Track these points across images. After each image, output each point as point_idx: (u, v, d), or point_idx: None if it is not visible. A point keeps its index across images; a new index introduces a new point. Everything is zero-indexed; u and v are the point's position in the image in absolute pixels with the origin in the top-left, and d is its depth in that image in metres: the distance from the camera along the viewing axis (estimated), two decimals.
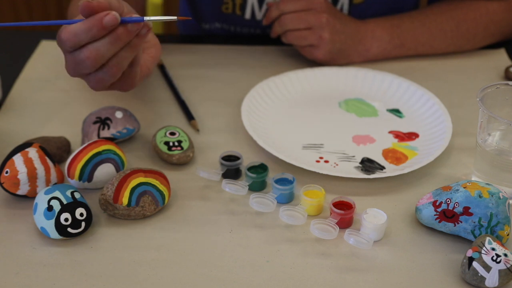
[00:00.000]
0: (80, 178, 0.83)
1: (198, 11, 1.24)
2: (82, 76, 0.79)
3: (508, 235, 0.76)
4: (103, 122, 0.90)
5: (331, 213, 0.79)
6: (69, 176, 0.83)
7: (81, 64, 0.76)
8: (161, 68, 1.09)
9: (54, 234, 0.76)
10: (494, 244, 0.72)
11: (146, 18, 0.74)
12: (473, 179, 0.86)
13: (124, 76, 0.80)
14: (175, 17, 0.74)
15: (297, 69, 1.06)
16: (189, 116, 0.98)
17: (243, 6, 1.16)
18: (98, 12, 0.73)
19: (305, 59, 1.10)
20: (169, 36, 1.36)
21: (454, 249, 0.77)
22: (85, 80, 0.79)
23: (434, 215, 0.77)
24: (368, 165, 0.89)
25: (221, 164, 0.86)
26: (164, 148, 0.88)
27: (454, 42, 1.12)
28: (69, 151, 0.90)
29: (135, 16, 0.75)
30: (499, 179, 0.82)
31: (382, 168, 0.88)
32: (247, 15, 1.17)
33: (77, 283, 0.72)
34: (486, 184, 0.77)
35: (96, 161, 0.83)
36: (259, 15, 1.17)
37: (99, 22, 0.72)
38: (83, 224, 0.77)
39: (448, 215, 0.77)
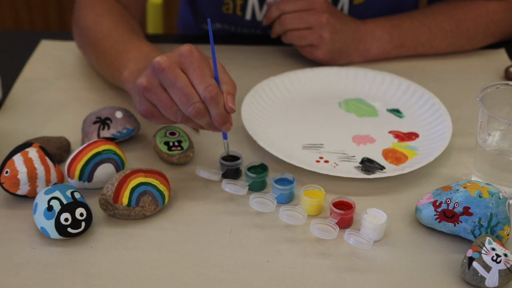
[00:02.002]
0: (80, 178, 0.83)
1: (198, 12, 1.24)
2: (153, 109, 0.83)
3: (508, 235, 0.76)
4: (103, 122, 0.90)
5: (331, 213, 0.79)
6: (69, 176, 0.83)
7: (165, 111, 0.81)
8: None
9: (54, 234, 0.76)
10: (494, 244, 0.72)
11: (225, 141, 0.85)
12: (473, 179, 0.86)
13: None
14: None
15: (297, 69, 1.06)
16: None
17: (243, 7, 1.16)
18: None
19: (305, 59, 1.10)
20: (169, 36, 1.36)
21: (454, 249, 0.77)
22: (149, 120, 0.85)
23: (434, 215, 0.77)
24: (368, 165, 0.89)
25: (221, 164, 0.86)
26: (164, 148, 0.88)
27: (454, 42, 1.12)
28: (69, 151, 0.90)
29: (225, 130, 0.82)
30: (499, 179, 0.82)
31: (382, 168, 0.88)
32: (248, 15, 1.17)
33: (77, 283, 0.72)
34: (486, 184, 0.77)
35: (96, 161, 0.83)
36: (259, 15, 1.17)
37: (219, 120, 0.80)
38: (83, 224, 0.77)
39: (448, 215, 0.77)
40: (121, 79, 0.91)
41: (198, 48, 0.79)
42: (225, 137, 0.84)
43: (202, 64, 0.78)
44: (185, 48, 0.78)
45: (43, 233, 0.77)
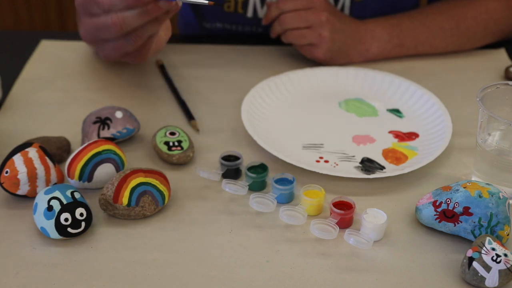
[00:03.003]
0: (80, 178, 0.83)
1: (199, 10, 1.24)
2: (99, 42, 0.79)
3: (508, 235, 0.76)
4: (103, 122, 0.90)
5: (331, 213, 0.79)
6: (69, 176, 0.83)
7: (104, 30, 0.76)
8: (161, 68, 1.09)
9: (54, 234, 0.76)
10: (494, 244, 0.72)
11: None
12: (473, 179, 0.86)
13: (140, 47, 0.81)
14: (206, 2, 0.75)
15: (297, 69, 1.06)
16: (189, 116, 0.98)
17: (245, 4, 1.16)
18: None
19: (305, 59, 1.10)
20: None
21: (454, 249, 0.77)
22: (98, 48, 0.80)
23: (434, 215, 0.77)
24: (368, 165, 0.89)
25: (221, 164, 0.86)
26: (164, 148, 0.88)
27: (454, 41, 1.12)
28: (69, 151, 0.90)
29: None
30: (499, 179, 0.82)
31: (382, 168, 0.88)
32: (249, 13, 1.17)
33: (77, 283, 0.72)
34: (486, 184, 0.77)
35: (96, 161, 0.83)
36: (261, 13, 1.17)
37: (156, 8, 0.73)
38: (83, 224, 0.77)
39: (448, 215, 0.77)
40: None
41: None
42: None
43: None
44: None
45: (43, 233, 0.77)
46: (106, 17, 0.75)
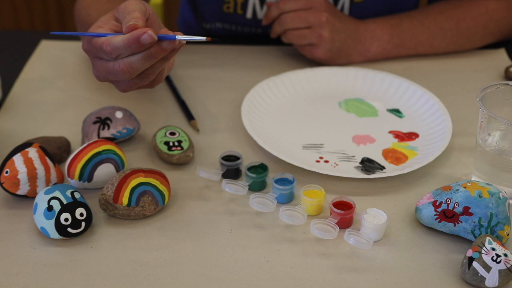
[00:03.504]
0: (80, 178, 0.83)
1: (199, 11, 1.24)
2: (113, 82, 0.81)
3: (508, 235, 0.76)
4: (103, 122, 0.90)
5: (331, 213, 0.79)
6: (69, 176, 0.83)
7: (114, 74, 0.78)
8: None
9: (54, 234, 0.76)
10: (494, 244, 0.72)
11: (178, 37, 0.77)
12: (473, 179, 0.86)
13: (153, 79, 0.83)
14: (204, 38, 0.77)
15: (297, 69, 1.06)
16: (189, 116, 0.98)
17: (244, 6, 1.16)
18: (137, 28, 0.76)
19: (305, 59, 1.10)
20: None
21: (454, 249, 0.77)
22: (114, 85, 0.82)
23: (434, 215, 0.77)
24: (368, 165, 0.89)
25: (221, 164, 0.86)
26: (164, 148, 0.88)
27: (454, 41, 1.12)
28: (69, 151, 0.90)
29: (167, 33, 0.77)
30: (499, 179, 0.82)
31: (382, 168, 0.88)
32: (249, 14, 1.17)
33: (77, 283, 0.72)
34: (486, 184, 0.77)
35: (96, 161, 0.83)
36: (260, 14, 1.17)
37: (136, 40, 0.74)
38: (83, 224, 0.77)
39: (448, 215, 0.77)
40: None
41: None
42: (173, 37, 0.77)
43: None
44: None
45: (43, 233, 0.77)
46: (114, 63, 0.77)
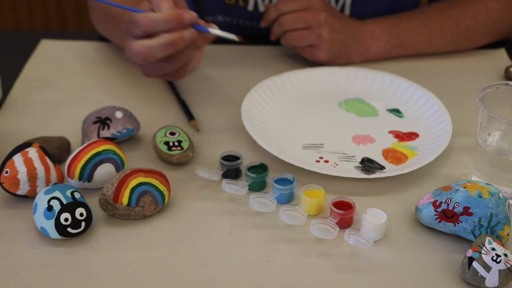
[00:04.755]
0: (80, 178, 0.83)
1: (201, 3, 1.24)
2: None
3: (508, 235, 0.76)
4: (103, 122, 0.90)
5: (331, 213, 0.79)
6: (69, 176, 0.83)
7: (133, 55, 0.81)
8: None
9: (54, 234, 0.76)
10: (494, 244, 0.72)
11: (211, 30, 0.84)
12: (473, 179, 0.86)
13: (178, 68, 0.87)
14: (235, 37, 0.86)
15: (297, 69, 1.06)
16: (189, 116, 0.98)
17: None
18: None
19: (305, 59, 1.10)
20: None
21: (454, 249, 0.77)
22: (139, 68, 0.86)
23: (434, 215, 0.77)
24: (368, 165, 0.89)
25: (221, 164, 0.86)
26: (164, 148, 0.88)
27: (453, 40, 1.12)
28: (69, 151, 0.90)
29: (203, 25, 0.84)
30: (499, 179, 0.82)
31: (382, 168, 0.88)
32: (250, 6, 1.17)
33: (77, 283, 0.72)
34: (486, 184, 0.77)
35: (96, 161, 0.83)
36: (261, 6, 1.16)
37: (177, 16, 0.79)
38: (83, 224, 0.77)
39: (448, 215, 0.77)
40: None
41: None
42: (206, 30, 0.84)
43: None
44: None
45: (43, 233, 0.77)
46: (134, 44, 0.81)
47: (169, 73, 0.88)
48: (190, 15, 0.81)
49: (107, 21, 1.03)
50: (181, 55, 0.84)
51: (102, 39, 1.16)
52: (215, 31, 0.83)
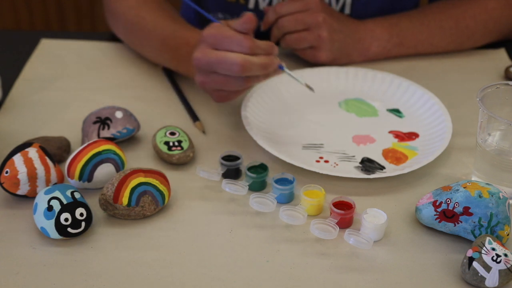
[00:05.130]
0: (80, 178, 0.83)
1: (201, 1, 1.24)
2: (212, 91, 0.91)
3: (508, 235, 0.76)
4: (103, 122, 0.90)
5: (331, 213, 0.79)
6: (69, 176, 0.83)
7: (227, 64, 0.85)
8: (165, 70, 1.08)
9: (54, 234, 0.76)
10: (494, 244, 0.72)
11: (286, 69, 0.90)
12: (473, 179, 0.86)
13: (231, 91, 0.91)
14: (304, 84, 0.92)
15: (297, 69, 1.06)
16: (194, 117, 0.98)
17: None
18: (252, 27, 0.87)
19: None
20: None
21: (454, 249, 0.77)
22: (212, 95, 0.92)
23: (434, 215, 0.77)
24: (368, 165, 0.89)
25: (221, 164, 0.86)
26: (164, 148, 0.88)
27: (453, 39, 1.12)
28: (69, 151, 0.90)
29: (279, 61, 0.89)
30: (499, 179, 0.82)
31: (382, 168, 0.88)
32: (251, 4, 1.17)
33: (77, 283, 0.72)
34: (486, 184, 0.77)
35: (96, 161, 0.83)
36: (262, 4, 1.16)
37: (273, 46, 0.87)
38: (83, 224, 0.77)
39: (448, 215, 0.77)
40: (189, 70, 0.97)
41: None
42: (281, 67, 0.90)
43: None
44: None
45: (43, 233, 0.77)
46: (233, 55, 0.85)
47: (222, 92, 0.90)
48: (276, 48, 0.88)
49: (163, 49, 1.04)
50: (256, 79, 0.88)
51: (102, 39, 1.17)
52: (287, 71, 0.90)
